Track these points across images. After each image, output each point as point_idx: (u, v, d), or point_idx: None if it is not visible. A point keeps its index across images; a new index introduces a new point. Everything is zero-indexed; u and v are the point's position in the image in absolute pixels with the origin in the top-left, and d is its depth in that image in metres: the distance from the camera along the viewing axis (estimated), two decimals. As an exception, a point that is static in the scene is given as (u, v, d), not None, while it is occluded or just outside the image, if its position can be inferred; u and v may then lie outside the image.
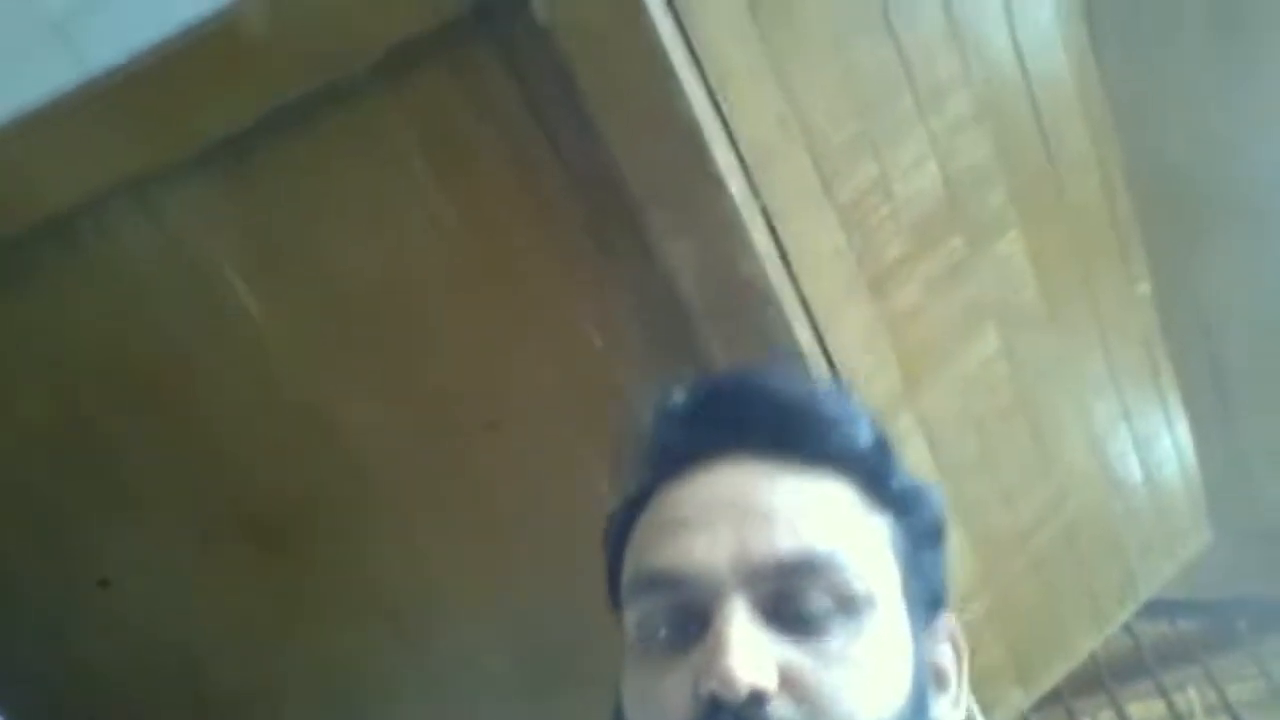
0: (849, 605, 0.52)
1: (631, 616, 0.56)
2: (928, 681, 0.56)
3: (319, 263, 1.21)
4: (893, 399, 1.43)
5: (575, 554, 1.43)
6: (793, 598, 0.52)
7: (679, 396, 0.63)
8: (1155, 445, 1.83)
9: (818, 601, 0.52)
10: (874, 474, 0.58)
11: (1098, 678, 2.45)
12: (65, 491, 1.34)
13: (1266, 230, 1.83)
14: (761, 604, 0.51)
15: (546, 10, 1.05)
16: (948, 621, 0.61)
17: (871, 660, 0.52)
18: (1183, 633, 2.66)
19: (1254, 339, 2.08)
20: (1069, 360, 1.60)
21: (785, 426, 0.57)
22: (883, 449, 0.60)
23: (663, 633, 0.54)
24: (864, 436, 0.59)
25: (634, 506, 0.61)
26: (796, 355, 1.28)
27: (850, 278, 1.36)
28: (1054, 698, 2.27)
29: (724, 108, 1.15)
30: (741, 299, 1.23)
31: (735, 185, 1.16)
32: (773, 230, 1.25)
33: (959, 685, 0.60)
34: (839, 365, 1.36)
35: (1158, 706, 2.45)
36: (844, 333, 1.36)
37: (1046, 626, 1.84)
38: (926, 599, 0.58)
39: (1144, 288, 1.64)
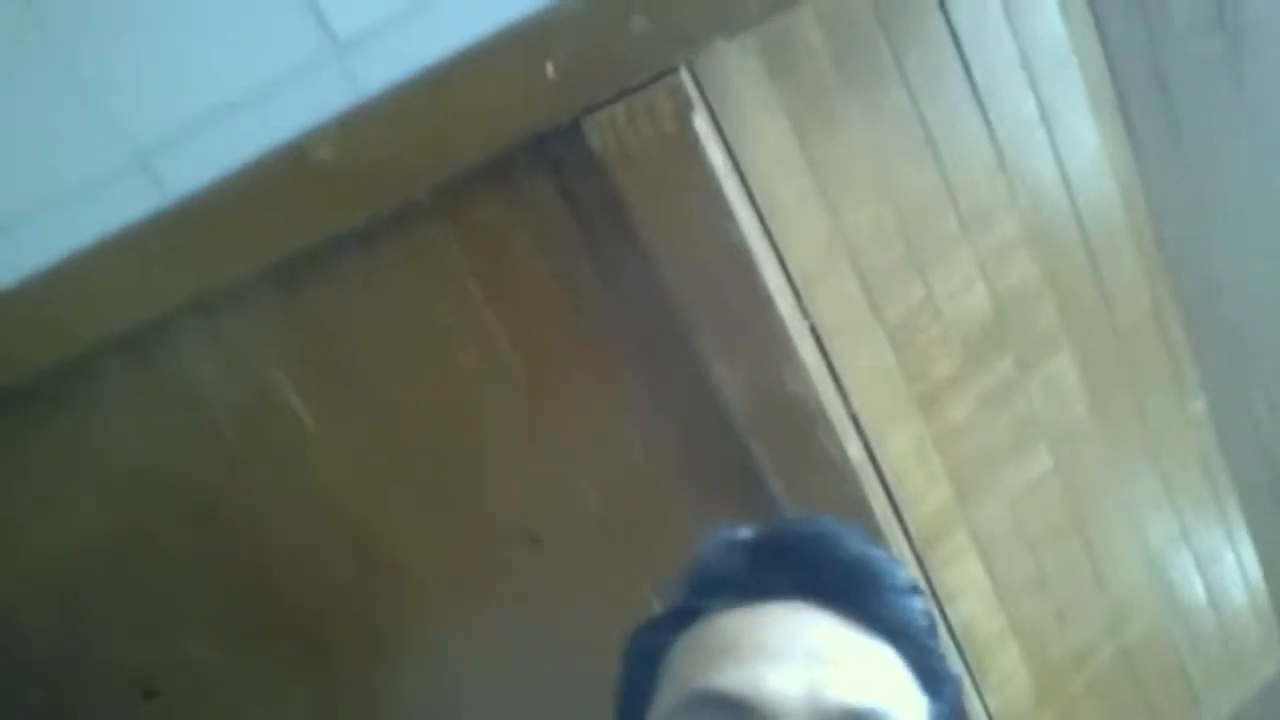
0: None
1: None
2: None
3: (372, 382, 1.24)
4: (945, 516, 1.42)
5: (609, 668, 1.43)
6: None
7: (748, 530, 0.64)
8: (1218, 565, 1.77)
9: None
10: (923, 653, 0.60)
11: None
12: (117, 604, 1.35)
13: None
14: None
15: (599, 140, 1.09)
16: None
17: None
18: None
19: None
20: (1123, 479, 1.57)
21: (856, 586, 0.59)
22: (935, 632, 0.62)
23: None
24: (921, 612, 0.61)
25: (675, 625, 0.62)
26: (848, 470, 1.28)
27: (900, 395, 1.36)
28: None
29: (773, 232, 1.18)
30: (790, 417, 1.23)
31: (784, 305, 1.17)
32: (822, 349, 1.26)
33: None
34: (890, 481, 1.35)
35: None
36: (894, 449, 1.35)
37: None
38: None
39: (1198, 405, 1.62)
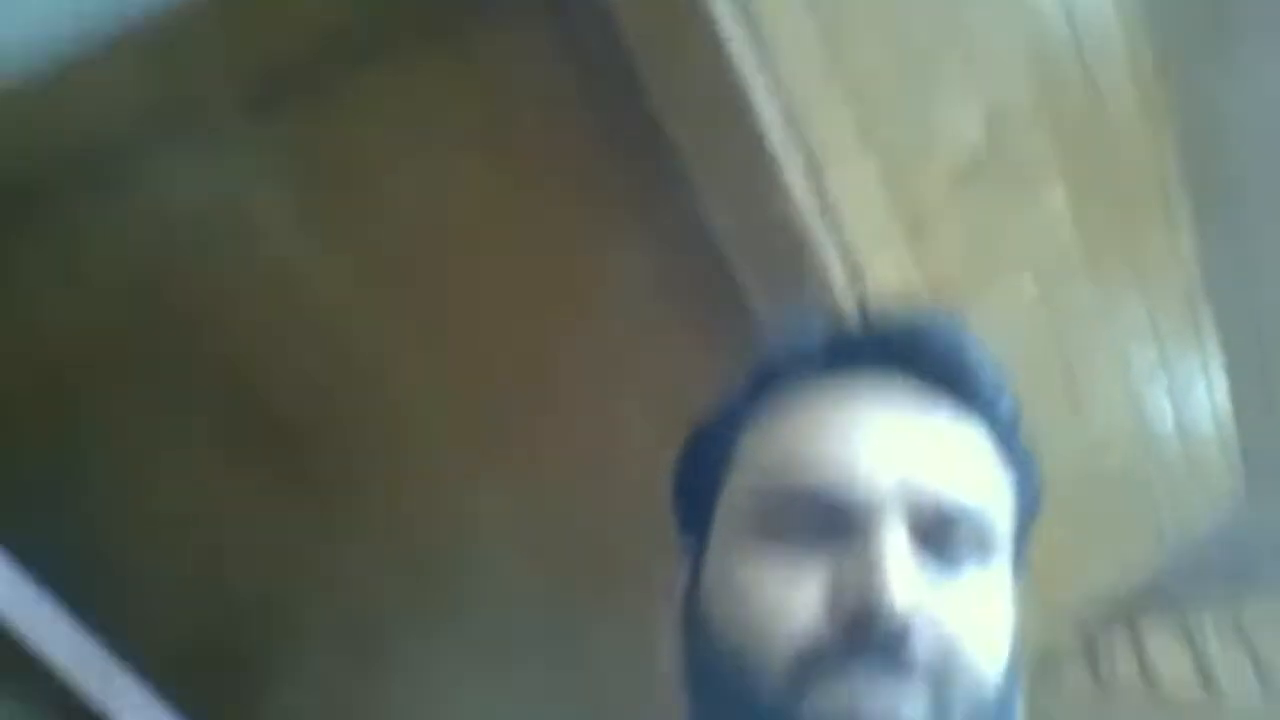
0: (986, 553, 0.51)
1: (756, 503, 0.52)
2: (1019, 638, 0.55)
3: (367, 204, 1.23)
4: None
5: (602, 490, 1.48)
6: (941, 536, 0.50)
7: (826, 314, 0.61)
8: (1190, 396, 1.82)
9: (963, 544, 0.50)
10: (1010, 435, 0.56)
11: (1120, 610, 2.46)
12: (100, 402, 1.38)
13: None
14: (914, 532, 0.49)
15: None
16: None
17: (997, 605, 0.52)
18: (1206, 568, 2.65)
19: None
20: (1107, 311, 1.59)
21: (951, 364, 0.54)
22: (1017, 417, 0.57)
23: (795, 532, 0.50)
24: (1006, 401, 0.56)
25: (749, 405, 0.57)
26: (834, 298, 1.29)
27: (887, 223, 1.35)
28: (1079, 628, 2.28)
29: (768, 60, 1.14)
30: (779, 245, 1.23)
31: (777, 137, 1.15)
32: (814, 179, 1.24)
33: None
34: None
35: (1176, 635, 2.45)
36: (880, 276, 1.36)
37: (1074, 570, 1.86)
38: (1018, 563, 0.57)
39: (1186, 241, 1.62)
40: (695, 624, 0.54)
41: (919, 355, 0.54)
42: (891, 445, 0.51)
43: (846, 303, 1.31)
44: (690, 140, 1.12)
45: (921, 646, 0.47)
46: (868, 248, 1.32)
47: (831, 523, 0.49)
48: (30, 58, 1.11)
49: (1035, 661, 1.98)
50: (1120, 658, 2.64)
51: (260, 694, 2.22)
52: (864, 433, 0.51)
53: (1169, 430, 1.82)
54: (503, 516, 1.53)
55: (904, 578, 0.46)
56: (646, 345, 1.33)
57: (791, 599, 0.48)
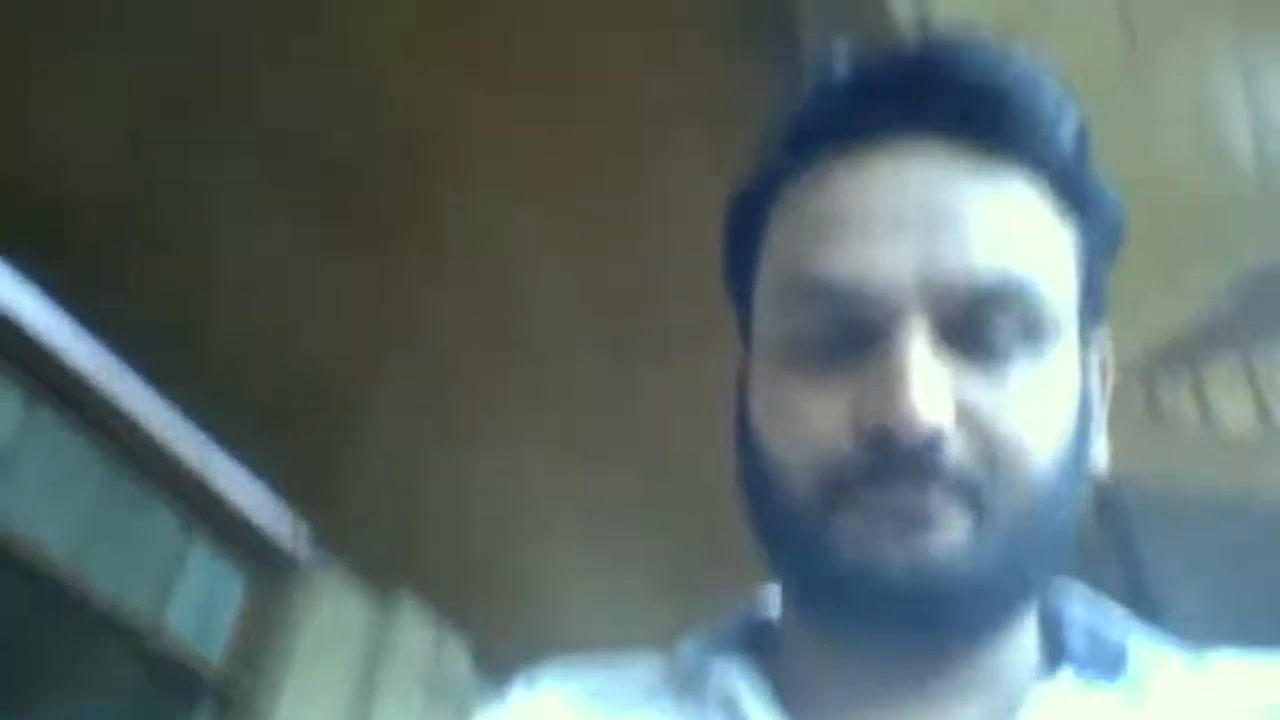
0: (1035, 334, 0.46)
1: (778, 324, 0.50)
2: (1090, 407, 0.51)
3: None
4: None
5: (660, 232, 1.47)
6: (979, 324, 0.46)
7: (855, 60, 0.51)
8: (1272, 109, 1.71)
9: (1005, 330, 0.46)
10: (1070, 176, 0.50)
11: (1180, 349, 2.45)
12: (169, 174, 1.38)
13: None
14: (943, 327, 0.45)
15: None
16: (1103, 336, 0.56)
17: (1050, 393, 0.47)
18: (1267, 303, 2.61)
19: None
20: (1185, 11, 1.48)
21: (985, 113, 0.48)
22: (1082, 147, 0.50)
23: (820, 343, 0.47)
24: (1067, 134, 0.49)
25: (775, 180, 0.53)
26: (893, 25, 1.21)
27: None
28: (1129, 367, 2.29)
29: None
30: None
31: None
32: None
33: (1104, 404, 0.56)
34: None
35: (1236, 372, 2.45)
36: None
37: (1123, 304, 1.83)
38: (1094, 314, 0.53)
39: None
40: (745, 420, 0.52)
41: (949, 108, 0.48)
42: (910, 234, 0.46)
43: (909, 37, 1.24)
44: None
45: (956, 458, 0.44)
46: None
47: (853, 332, 0.46)
48: None
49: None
50: (1181, 397, 2.65)
51: (334, 455, 2.34)
52: (877, 226, 0.47)
53: (1245, 147, 1.72)
54: (566, 271, 1.53)
55: (928, 386, 0.43)
56: (700, 87, 1.28)
57: (816, 419, 0.46)
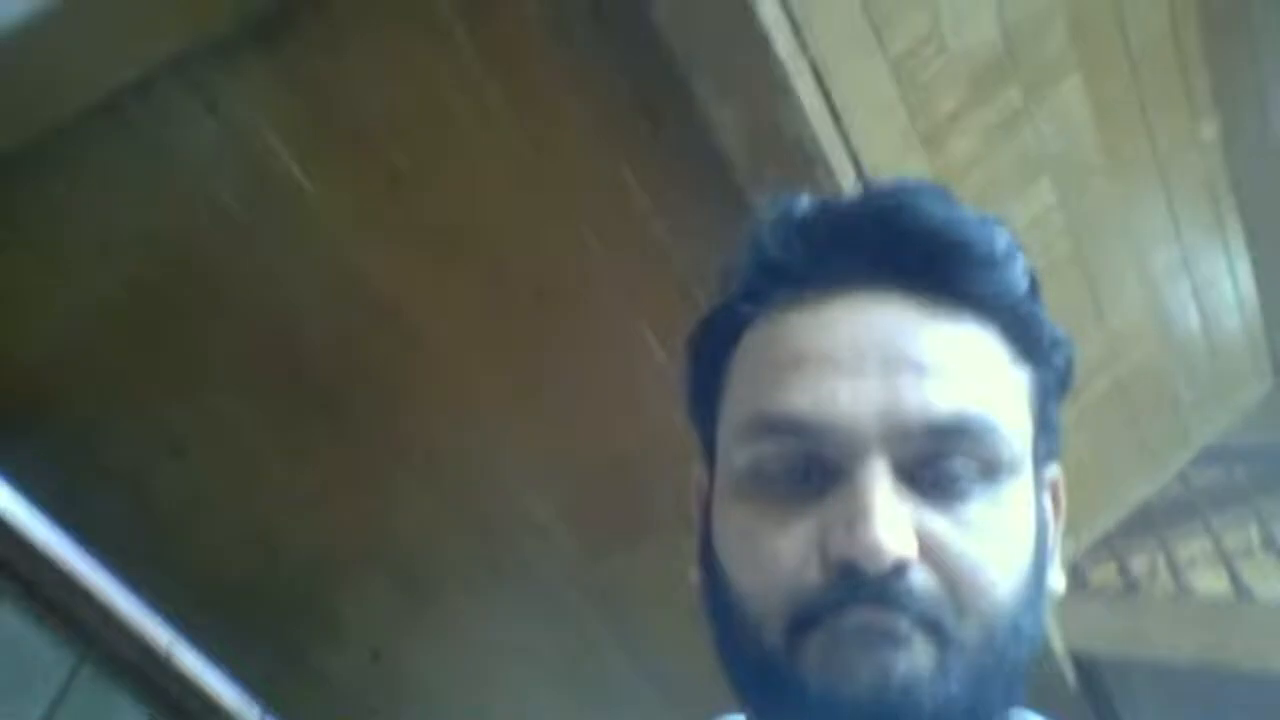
0: (992, 470, 0.48)
1: (742, 456, 0.50)
2: (1046, 540, 0.52)
3: (366, 134, 1.22)
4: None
5: (623, 415, 1.48)
6: (937, 461, 0.47)
7: (809, 208, 0.53)
8: (1216, 293, 1.80)
9: (962, 466, 0.47)
10: (1022, 319, 0.51)
11: (1149, 522, 2.47)
12: (136, 363, 1.39)
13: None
14: (903, 465, 0.47)
15: None
16: (1055, 473, 0.57)
17: (1009, 526, 0.48)
18: (1236, 478, 2.66)
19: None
20: (1128, 210, 1.56)
21: (939, 261, 0.50)
22: (1035, 295, 0.52)
23: (782, 479, 0.48)
24: (1020, 281, 0.51)
25: (738, 324, 0.54)
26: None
27: (902, 132, 1.33)
28: (1103, 542, 2.30)
29: (769, -41, 1.11)
30: (789, 158, 1.21)
31: (782, 41, 1.13)
32: (821, 86, 1.22)
33: (1056, 538, 0.56)
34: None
35: (1206, 546, 2.47)
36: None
37: (1097, 479, 1.86)
38: (1047, 453, 0.54)
39: (1210, 129, 1.58)
40: (710, 558, 0.53)
41: (906, 257, 0.50)
42: (870, 375, 0.48)
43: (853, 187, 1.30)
44: (696, 47, 1.10)
45: (920, 588, 0.45)
46: (880, 156, 1.30)
47: (816, 467, 0.48)
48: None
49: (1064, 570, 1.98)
50: (1151, 567, 2.65)
51: (312, 643, 2.27)
52: (838, 366, 0.48)
53: (1194, 328, 1.80)
54: (534, 457, 1.54)
55: (891, 519, 0.45)
56: (657, 262, 1.32)
57: (783, 551, 0.47)
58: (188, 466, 1.55)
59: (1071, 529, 1.91)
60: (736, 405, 0.52)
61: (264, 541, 1.74)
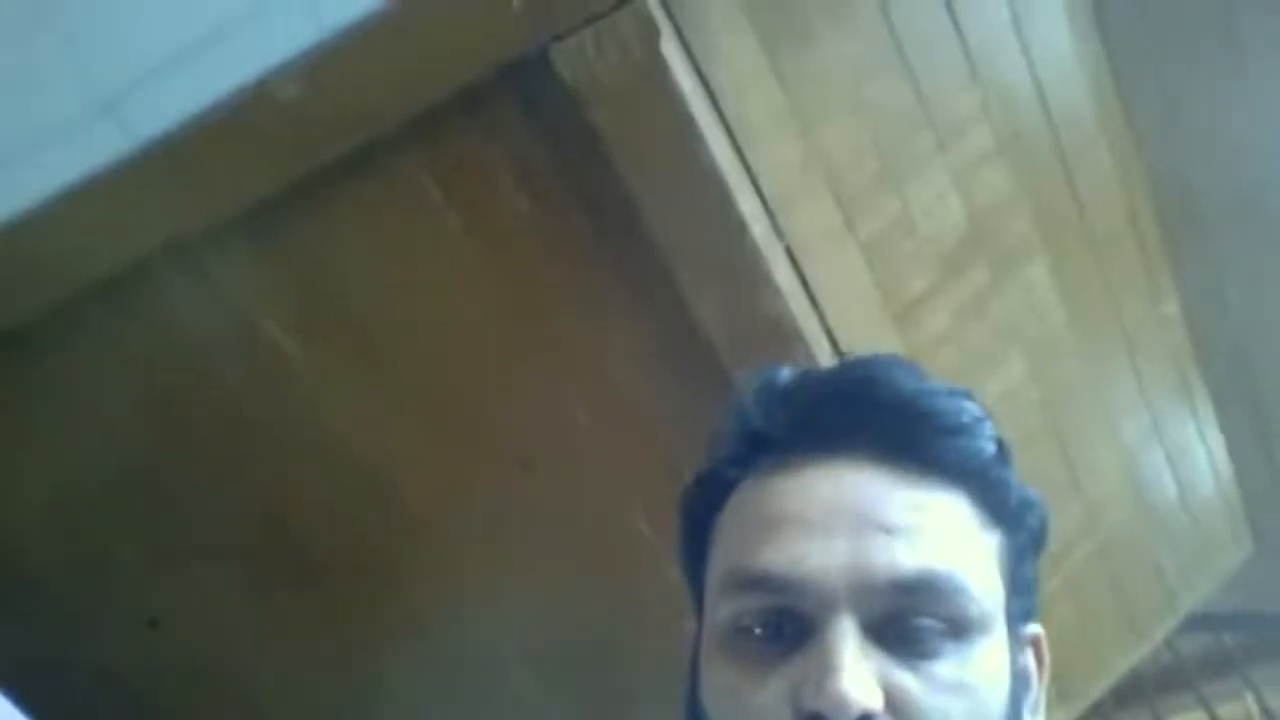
0: (960, 628, 0.50)
1: (724, 610, 0.53)
2: (1022, 696, 0.54)
3: (357, 314, 1.25)
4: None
5: (611, 590, 1.47)
6: (904, 618, 0.49)
7: (789, 376, 0.58)
8: (1189, 461, 1.83)
9: (929, 624, 0.49)
10: (991, 488, 0.54)
11: (1140, 690, 2.43)
12: (122, 537, 1.38)
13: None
14: (871, 621, 0.49)
15: (569, 69, 1.08)
16: (1034, 631, 0.59)
17: (978, 684, 0.50)
18: (1225, 645, 2.63)
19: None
20: (1098, 382, 1.60)
21: (908, 431, 0.53)
22: (1003, 461, 0.56)
23: (758, 632, 0.51)
24: (987, 448, 0.54)
25: (724, 486, 0.58)
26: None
27: (876, 312, 1.38)
28: (1095, 710, 2.25)
29: (746, 155, 1.18)
30: (768, 338, 1.25)
31: (759, 229, 1.18)
32: (797, 270, 1.27)
33: (1040, 694, 0.58)
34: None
35: (1199, 718, 2.43)
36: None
37: (1084, 646, 1.84)
38: (1023, 613, 0.56)
39: (1172, 306, 1.64)
40: (697, 708, 0.55)
41: (877, 427, 0.53)
42: (840, 536, 0.50)
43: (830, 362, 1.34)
44: (672, 234, 1.15)
45: None
46: (855, 335, 1.34)
47: (789, 622, 0.50)
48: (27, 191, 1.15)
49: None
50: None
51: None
52: (810, 528, 0.51)
53: (1171, 497, 1.82)
54: (521, 632, 1.51)
55: (855, 674, 0.46)
56: (644, 438, 1.34)
57: (761, 707, 0.49)
58: (163, 639, 1.51)
59: (1063, 697, 1.88)
60: (721, 562, 0.56)
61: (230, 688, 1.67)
